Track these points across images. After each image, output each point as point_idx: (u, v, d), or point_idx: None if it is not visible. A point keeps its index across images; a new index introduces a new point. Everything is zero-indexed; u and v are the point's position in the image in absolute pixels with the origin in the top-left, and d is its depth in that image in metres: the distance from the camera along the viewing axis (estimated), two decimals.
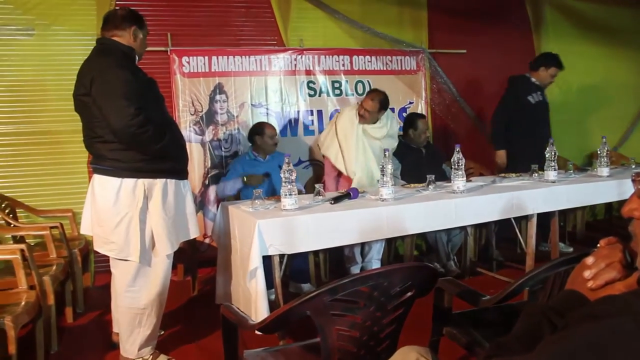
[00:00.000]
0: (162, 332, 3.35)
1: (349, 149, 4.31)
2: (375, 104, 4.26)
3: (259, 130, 4.41)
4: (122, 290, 2.98)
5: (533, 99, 5.03)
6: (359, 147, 4.31)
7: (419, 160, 4.71)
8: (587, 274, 1.08)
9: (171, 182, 2.97)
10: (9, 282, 3.14)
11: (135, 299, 2.97)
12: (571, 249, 5.25)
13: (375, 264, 4.39)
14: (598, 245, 1.15)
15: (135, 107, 2.74)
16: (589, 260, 1.10)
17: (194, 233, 3.17)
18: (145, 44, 3.11)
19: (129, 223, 2.86)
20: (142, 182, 2.87)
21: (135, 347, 3.00)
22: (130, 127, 2.73)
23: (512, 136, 4.97)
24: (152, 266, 2.98)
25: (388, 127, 4.41)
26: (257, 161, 4.40)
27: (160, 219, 2.92)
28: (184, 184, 3.08)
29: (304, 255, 4.05)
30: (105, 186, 2.88)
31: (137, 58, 3.04)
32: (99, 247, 2.99)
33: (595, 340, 0.80)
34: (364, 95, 4.53)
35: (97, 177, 2.93)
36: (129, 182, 2.85)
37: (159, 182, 2.91)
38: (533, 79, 5.06)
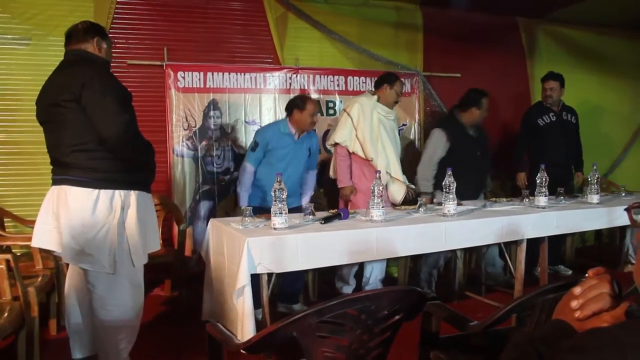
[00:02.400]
0: None
1: (365, 135, 4.32)
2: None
3: (300, 103, 4.16)
4: (106, 306, 2.93)
5: (542, 121, 5.26)
6: (377, 133, 4.37)
7: (471, 146, 4.67)
8: (574, 304, 1.08)
9: (142, 195, 2.98)
10: None
11: (120, 311, 2.94)
12: (570, 272, 5.28)
13: (379, 284, 4.41)
14: (586, 275, 1.14)
15: (130, 115, 2.80)
16: (577, 290, 1.10)
17: (157, 245, 3.21)
18: (110, 55, 3.09)
19: (105, 234, 2.83)
20: (119, 193, 2.86)
21: (124, 356, 3.00)
22: (125, 133, 2.76)
23: (532, 158, 5.23)
24: (129, 278, 2.96)
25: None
26: (288, 137, 4.18)
27: (135, 230, 2.91)
28: (150, 197, 3.11)
29: (295, 275, 3.98)
30: (80, 197, 2.81)
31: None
32: (71, 260, 2.93)
33: None
34: (387, 82, 4.48)
35: (68, 189, 2.83)
36: (106, 193, 2.83)
37: (133, 194, 2.92)
38: (545, 103, 5.30)
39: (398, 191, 4.46)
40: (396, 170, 4.45)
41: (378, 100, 4.44)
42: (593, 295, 1.08)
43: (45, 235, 2.97)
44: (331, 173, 4.64)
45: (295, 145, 4.20)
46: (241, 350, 1.91)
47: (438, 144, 4.58)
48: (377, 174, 3.39)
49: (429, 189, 4.57)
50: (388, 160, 4.40)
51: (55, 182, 2.93)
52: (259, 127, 4.62)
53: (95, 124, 2.75)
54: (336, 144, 4.44)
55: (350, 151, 4.39)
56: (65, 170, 2.86)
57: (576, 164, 5.50)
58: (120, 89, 2.86)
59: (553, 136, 5.21)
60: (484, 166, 4.79)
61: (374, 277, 4.38)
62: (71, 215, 2.83)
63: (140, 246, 2.94)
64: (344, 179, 4.42)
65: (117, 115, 2.74)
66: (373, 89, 4.60)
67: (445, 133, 4.57)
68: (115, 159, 2.83)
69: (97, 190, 2.81)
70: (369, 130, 4.34)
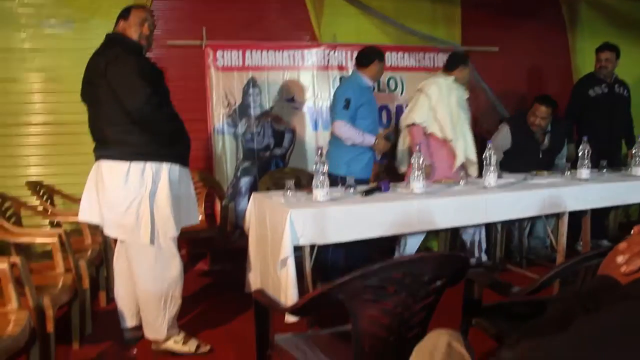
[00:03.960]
0: None
1: (445, 116, 4.31)
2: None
3: (380, 55, 4.28)
4: (144, 277, 3.03)
5: (594, 92, 5.14)
6: (457, 115, 4.36)
7: (535, 147, 4.76)
8: (620, 259, 1.08)
9: (176, 168, 3.04)
10: (47, 266, 3.24)
11: (158, 282, 3.02)
12: None
13: None
14: (632, 232, 1.15)
15: (151, 88, 2.86)
16: (622, 246, 1.10)
17: (196, 219, 3.31)
18: (142, 35, 3.06)
19: (138, 206, 2.93)
20: (150, 166, 2.94)
21: (164, 327, 3.07)
22: (147, 105, 2.83)
23: (581, 131, 5.05)
24: (166, 248, 3.04)
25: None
26: (369, 89, 4.30)
27: (166, 202, 2.98)
28: (187, 172, 3.18)
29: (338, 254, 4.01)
30: (113, 171, 2.94)
31: (143, 50, 3.11)
32: (109, 231, 3.10)
33: (629, 319, 0.80)
34: (463, 62, 4.48)
35: (104, 164, 2.98)
36: (137, 165, 2.92)
37: (165, 167, 2.98)
38: (597, 74, 5.18)
39: (472, 172, 4.46)
40: (473, 152, 4.43)
41: (454, 81, 4.41)
42: (639, 250, 1.09)
43: (89, 209, 3.12)
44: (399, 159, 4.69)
45: (373, 97, 4.34)
46: (287, 315, 1.96)
47: (503, 137, 4.81)
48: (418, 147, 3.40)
49: None
50: (466, 143, 4.39)
51: (96, 157, 3.06)
52: (338, 87, 4.53)
53: (119, 97, 2.86)
54: (413, 125, 4.37)
55: (428, 132, 4.35)
56: (102, 146, 3.02)
57: (628, 140, 5.34)
58: (143, 65, 2.96)
59: (603, 108, 5.09)
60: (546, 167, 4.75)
61: (409, 249, 4.37)
62: (106, 189, 2.97)
63: (170, 218, 3.00)
64: (424, 157, 4.39)
65: (139, 89, 2.83)
66: (446, 69, 4.51)
67: (509, 128, 4.78)
68: (145, 132, 2.92)
69: (128, 163, 2.91)
70: (449, 111, 4.31)
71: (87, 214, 3.16)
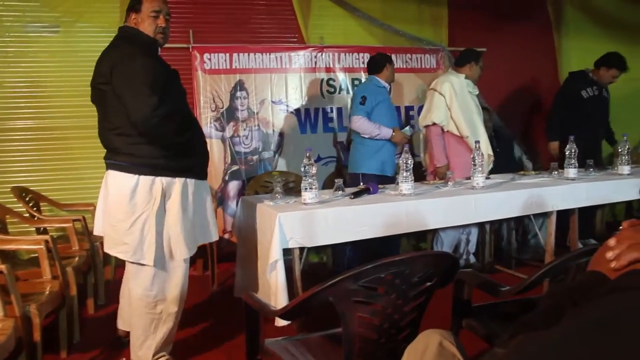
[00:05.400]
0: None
1: (460, 113, 4.36)
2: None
3: (389, 59, 4.53)
4: (137, 295, 2.80)
5: (587, 94, 5.16)
6: (471, 111, 4.44)
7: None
8: (609, 254, 1.08)
9: (191, 182, 2.80)
10: (33, 273, 3.20)
11: (152, 304, 2.80)
12: None
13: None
14: (620, 227, 1.15)
15: (158, 97, 2.59)
16: (612, 241, 1.10)
17: (214, 236, 3.03)
18: (168, 17, 2.85)
19: (144, 224, 2.69)
20: (160, 181, 2.70)
21: (150, 352, 2.84)
22: (152, 118, 2.57)
23: (566, 129, 4.97)
24: (169, 270, 2.81)
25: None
26: (385, 90, 4.50)
27: (178, 221, 2.74)
28: (204, 185, 2.94)
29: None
30: (119, 183, 2.71)
31: (158, 47, 2.86)
32: (109, 249, 2.82)
33: (620, 310, 0.80)
34: (473, 59, 4.59)
35: (110, 173, 2.76)
36: (146, 179, 2.68)
37: (178, 182, 2.74)
38: (591, 75, 5.18)
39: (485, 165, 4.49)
40: (487, 147, 4.45)
41: (465, 78, 4.50)
42: (628, 246, 1.08)
43: (100, 221, 2.90)
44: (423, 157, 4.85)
45: (390, 98, 4.51)
46: (277, 318, 1.95)
47: None
48: (405, 147, 3.41)
49: None
50: (480, 138, 4.39)
51: (106, 167, 2.82)
52: (358, 87, 4.96)
53: (123, 107, 2.61)
54: (433, 124, 4.42)
55: (445, 130, 4.42)
56: (111, 155, 2.77)
57: (608, 139, 5.44)
58: (153, 68, 2.67)
59: (591, 109, 5.15)
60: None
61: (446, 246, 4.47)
62: (111, 202, 2.75)
63: (182, 238, 2.76)
64: (441, 157, 4.42)
65: (144, 98, 2.57)
66: (456, 66, 4.64)
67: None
68: (153, 145, 2.67)
69: (136, 176, 2.68)
70: (463, 108, 4.37)
71: (98, 228, 2.93)
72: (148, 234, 2.71)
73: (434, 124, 4.39)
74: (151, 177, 2.69)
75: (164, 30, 2.84)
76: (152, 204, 2.70)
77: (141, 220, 2.70)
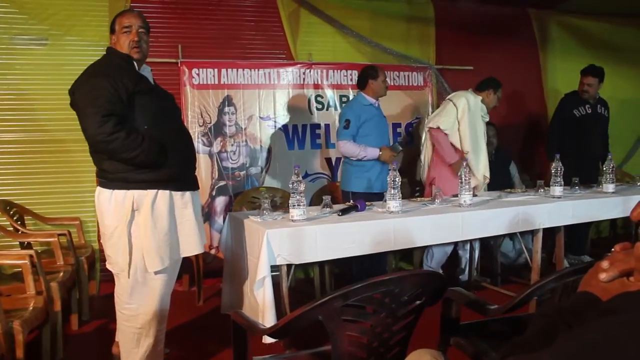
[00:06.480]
0: (168, 351, 3.23)
1: (467, 131, 4.39)
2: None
3: (372, 73, 4.43)
4: (119, 307, 2.89)
5: (579, 113, 5.27)
6: (478, 133, 4.48)
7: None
8: (602, 276, 1.08)
9: (164, 194, 2.81)
10: (17, 288, 3.16)
11: (132, 317, 2.85)
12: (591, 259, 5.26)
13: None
14: (612, 250, 1.15)
15: (104, 115, 2.62)
16: (604, 264, 1.10)
17: (197, 249, 3.00)
18: (142, 30, 2.91)
19: (119, 237, 2.77)
20: (132, 194, 2.75)
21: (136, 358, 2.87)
22: (97, 135, 2.64)
23: (565, 147, 5.02)
24: (147, 284, 2.84)
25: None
26: (372, 107, 4.42)
27: (149, 233, 2.77)
28: (186, 196, 2.92)
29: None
30: (99, 198, 2.81)
31: (134, 61, 2.86)
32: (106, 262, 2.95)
33: (614, 334, 0.80)
34: (493, 87, 4.65)
35: (96, 190, 2.87)
36: (118, 193, 2.75)
37: (149, 194, 2.77)
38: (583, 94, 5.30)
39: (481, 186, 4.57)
40: (486, 168, 4.50)
41: (482, 101, 4.57)
42: (620, 271, 1.08)
43: None
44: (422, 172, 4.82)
45: (379, 113, 4.46)
46: (265, 337, 1.94)
47: None
48: (394, 164, 3.42)
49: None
50: (480, 158, 4.48)
51: None
52: (343, 108, 4.90)
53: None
54: (437, 128, 4.47)
55: (449, 140, 4.46)
56: (97, 171, 2.87)
57: (603, 158, 5.47)
58: (100, 88, 2.67)
59: (587, 128, 5.24)
60: None
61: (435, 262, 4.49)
62: (97, 216, 2.90)
63: (154, 251, 2.78)
64: (452, 155, 4.45)
65: (90, 117, 2.64)
66: (476, 89, 4.66)
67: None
68: (114, 159, 2.73)
69: (111, 191, 2.77)
70: (471, 126, 4.42)
71: None
72: (121, 247, 2.79)
73: (439, 128, 4.44)
74: (123, 191, 2.76)
75: (138, 44, 2.87)
76: (125, 217, 2.76)
77: (117, 234, 2.78)
